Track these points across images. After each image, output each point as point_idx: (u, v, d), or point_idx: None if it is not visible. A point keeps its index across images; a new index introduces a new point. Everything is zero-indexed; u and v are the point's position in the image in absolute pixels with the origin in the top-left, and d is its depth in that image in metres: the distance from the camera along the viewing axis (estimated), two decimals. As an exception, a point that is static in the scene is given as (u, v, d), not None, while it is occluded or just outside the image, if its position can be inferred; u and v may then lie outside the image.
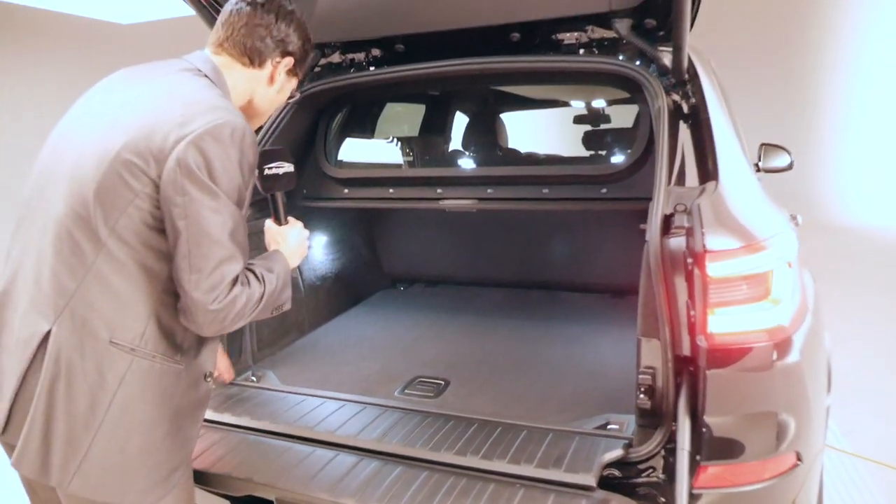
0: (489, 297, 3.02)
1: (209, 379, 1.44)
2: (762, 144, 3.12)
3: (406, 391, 1.99)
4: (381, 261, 3.27)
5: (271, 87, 1.47)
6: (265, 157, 1.53)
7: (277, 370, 2.15)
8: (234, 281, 1.25)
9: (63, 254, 1.27)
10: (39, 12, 6.70)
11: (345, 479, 1.47)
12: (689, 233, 1.44)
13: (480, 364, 2.21)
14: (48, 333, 1.26)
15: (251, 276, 1.31)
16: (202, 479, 1.58)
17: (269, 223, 1.60)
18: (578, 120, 3.61)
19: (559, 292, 2.95)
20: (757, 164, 3.07)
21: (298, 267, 2.57)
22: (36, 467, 1.28)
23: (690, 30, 1.74)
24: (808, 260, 2.10)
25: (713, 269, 1.40)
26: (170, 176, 1.20)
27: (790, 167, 3.13)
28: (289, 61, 1.46)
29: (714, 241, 1.41)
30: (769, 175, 3.17)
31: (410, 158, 3.25)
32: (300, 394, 1.95)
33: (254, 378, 2.07)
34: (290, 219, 1.61)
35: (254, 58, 1.41)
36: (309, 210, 2.60)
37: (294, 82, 1.54)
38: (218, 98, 1.32)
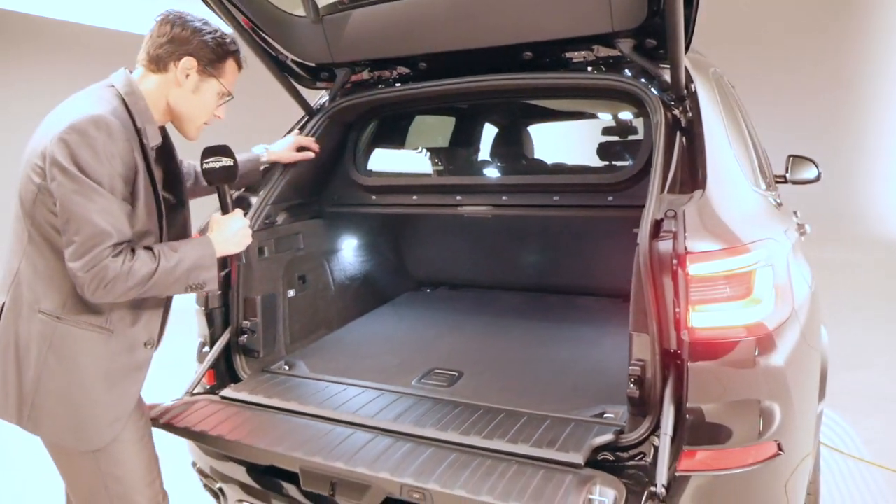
0: (508, 300, 3.16)
1: (148, 346, 1.69)
2: (790, 156, 3.19)
3: (422, 381, 2.14)
4: (407, 265, 3.44)
5: (182, 88, 1.66)
6: (204, 154, 1.76)
7: (307, 360, 2.33)
8: (108, 254, 1.45)
9: (12, 242, 1.60)
10: (82, 27, 7.13)
11: (360, 452, 1.63)
12: (675, 236, 1.57)
13: (493, 360, 2.35)
14: (3, 305, 1.60)
15: (143, 253, 1.52)
16: (236, 448, 1.78)
17: (215, 213, 1.81)
18: (606, 131, 3.74)
19: (573, 297, 3.08)
20: (784, 176, 3.15)
21: (329, 268, 2.78)
22: (2, 410, 1.62)
23: (686, 51, 1.88)
24: (813, 264, 2.18)
25: (694, 269, 1.52)
26: (47, 168, 1.47)
27: (818, 179, 3.19)
28: (189, 61, 1.64)
29: (695, 243, 1.54)
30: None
31: (440, 168, 3.43)
32: (325, 381, 2.13)
33: (286, 367, 2.26)
34: (236, 210, 1.81)
35: (158, 63, 1.64)
36: (339, 215, 2.79)
37: (213, 83, 1.70)
38: (102, 103, 1.53)
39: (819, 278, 2.19)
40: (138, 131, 1.59)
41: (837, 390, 3.77)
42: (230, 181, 1.82)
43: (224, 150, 1.79)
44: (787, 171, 3.13)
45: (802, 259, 2.12)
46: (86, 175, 1.44)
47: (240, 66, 1.77)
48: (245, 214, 2.21)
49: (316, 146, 2.45)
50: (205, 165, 1.78)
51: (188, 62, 1.64)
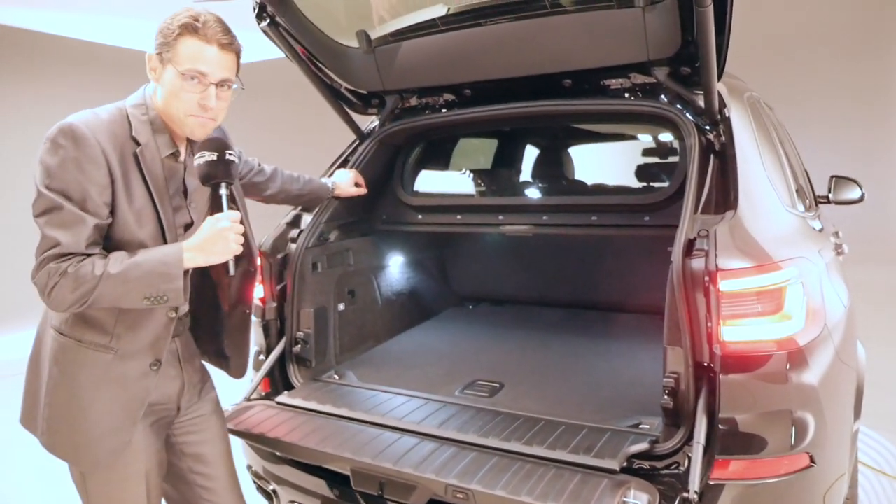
0: (548, 316, 3.25)
1: (154, 368, 1.58)
2: (832, 177, 3.21)
3: (465, 391, 2.25)
4: (451, 281, 3.56)
5: (158, 86, 1.55)
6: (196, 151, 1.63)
7: (356, 370, 2.46)
8: (51, 261, 1.39)
9: None
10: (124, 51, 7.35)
11: (406, 454, 1.74)
12: (707, 254, 1.64)
13: (533, 372, 2.44)
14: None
15: (94, 259, 1.41)
16: (292, 450, 1.90)
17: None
18: (646, 153, 3.81)
19: (612, 313, 3.14)
20: (827, 196, 3.17)
21: (377, 284, 2.91)
22: (24, 422, 1.65)
23: (720, 78, 1.96)
24: (860, 285, 2.19)
25: (725, 285, 1.60)
26: None
27: (861, 199, 3.20)
28: (149, 59, 1.54)
29: (726, 261, 1.61)
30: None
31: (483, 188, 3.56)
32: (374, 389, 2.25)
33: (336, 376, 2.40)
34: (225, 212, 1.57)
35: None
36: (386, 233, 2.94)
37: (170, 70, 1.50)
38: (86, 113, 1.48)
39: (868, 300, 2.20)
40: (135, 141, 1.51)
41: (885, 413, 3.72)
42: (223, 178, 1.59)
43: (212, 144, 1.60)
44: (829, 191, 3.15)
45: (838, 278, 2.15)
46: (50, 182, 1.41)
47: (205, 39, 1.49)
48: (298, 231, 2.39)
49: (363, 183, 2.63)
50: (194, 163, 1.62)
51: (148, 59, 1.54)
